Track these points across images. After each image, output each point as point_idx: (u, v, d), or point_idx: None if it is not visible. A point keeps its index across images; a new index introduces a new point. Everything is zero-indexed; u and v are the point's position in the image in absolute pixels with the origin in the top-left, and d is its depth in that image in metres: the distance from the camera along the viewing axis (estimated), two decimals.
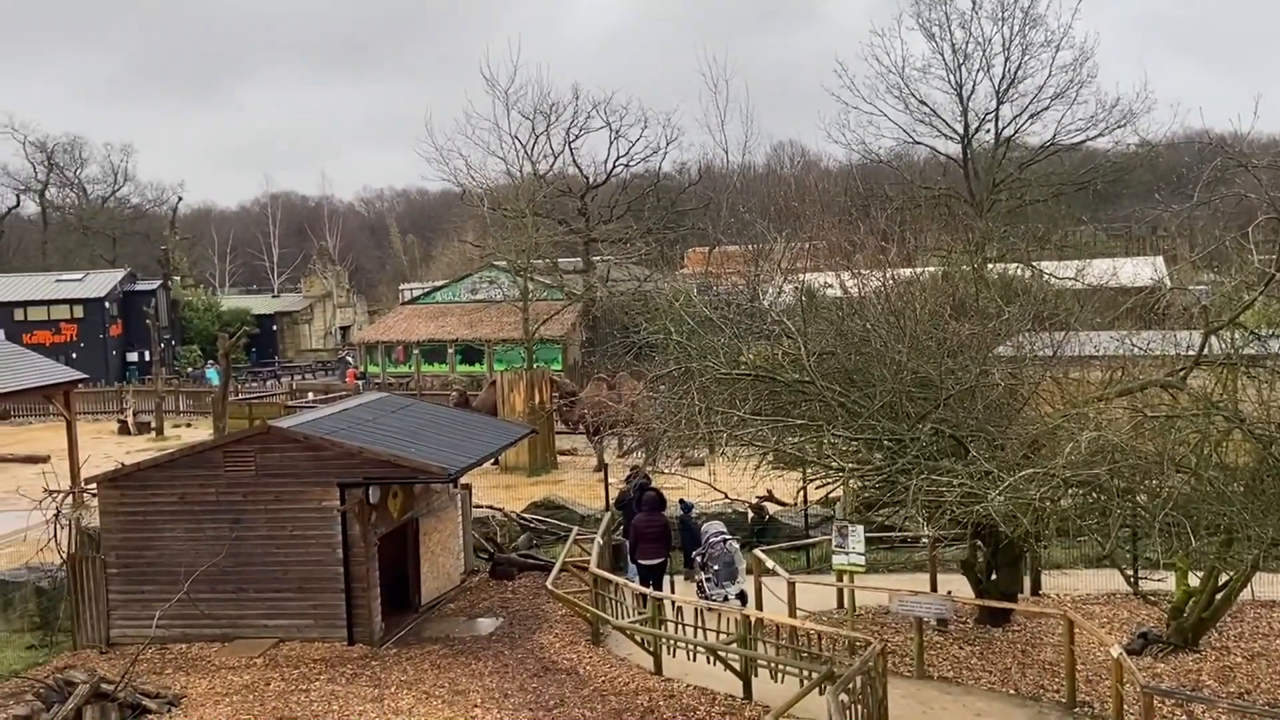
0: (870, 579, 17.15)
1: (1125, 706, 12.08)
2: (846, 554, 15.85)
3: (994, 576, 16.19)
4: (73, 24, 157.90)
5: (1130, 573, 16.45)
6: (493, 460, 23.55)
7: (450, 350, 56.33)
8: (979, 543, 15.90)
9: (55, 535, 17.73)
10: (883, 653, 12.51)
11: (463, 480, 18.67)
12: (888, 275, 17.77)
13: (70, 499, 19.18)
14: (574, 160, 55.88)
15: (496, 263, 53.36)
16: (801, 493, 20.93)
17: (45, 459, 31.93)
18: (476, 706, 13.60)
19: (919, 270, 20.54)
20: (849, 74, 53.46)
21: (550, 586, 16.96)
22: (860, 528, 16.00)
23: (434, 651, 15.74)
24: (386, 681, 14.55)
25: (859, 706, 11.70)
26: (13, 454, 36.57)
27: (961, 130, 48.96)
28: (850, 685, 11.54)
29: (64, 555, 17.28)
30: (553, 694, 13.99)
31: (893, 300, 16.32)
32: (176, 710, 13.82)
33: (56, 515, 17.90)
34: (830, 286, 19.65)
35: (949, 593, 16.02)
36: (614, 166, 56.16)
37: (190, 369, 59.40)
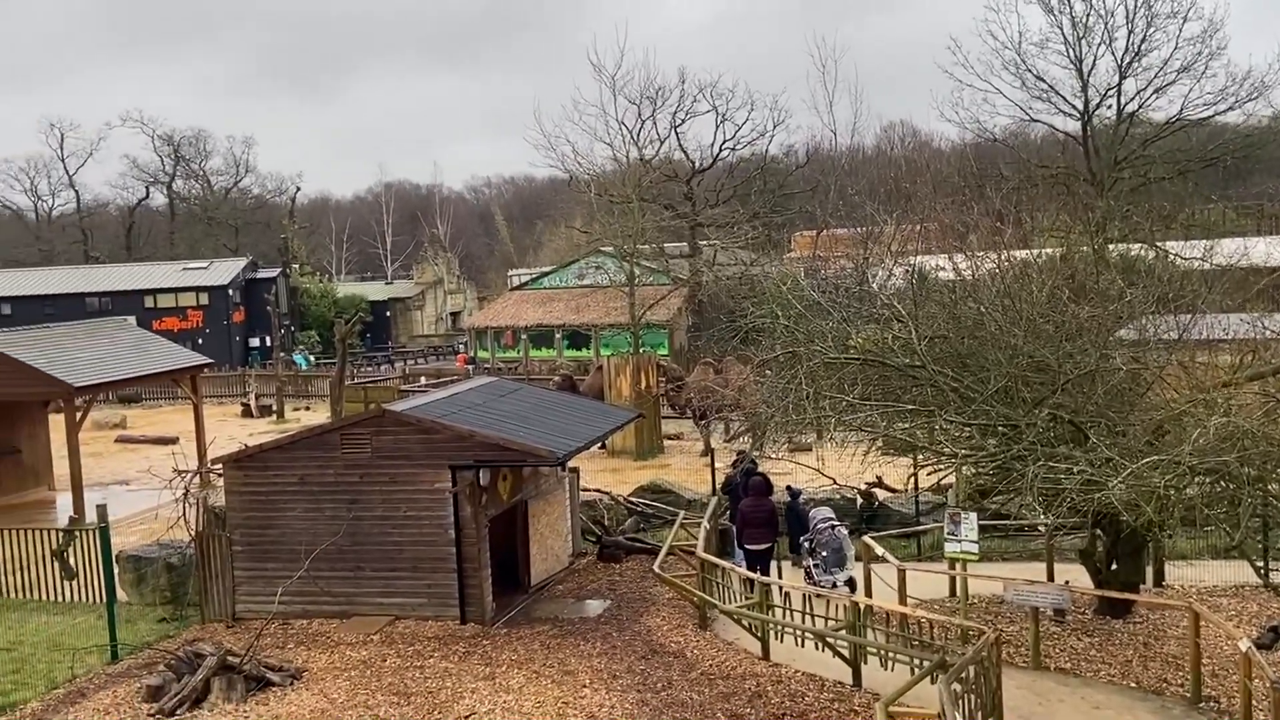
0: (983, 567, 16.78)
1: (1254, 702, 11.60)
2: (959, 541, 15.52)
3: (1114, 566, 15.70)
4: (196, 24, 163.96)
5: (1260, 564, 15.77)
6: (600, 444, 23.76)
7: (557, 335, 56.97)
8: (1099, 532, 15.42)
9: (184, 513, 18.48)
10: (997, 642, 12.24)
11: (571, 463, 18.86)
12: (1003, 257, 17.30)
13: (198, 479, 19.97)
14: (680, 145, 55.96)
15: (603, 248, 53.72)
16: (912, 479, 20.59)
17: (174, 440, 33.37)
18: (585, 687, 13.76)
19: (1036, 252, 19.94)
20: (963, 50, 52.13)
21: (657, 570, 17.04)
22: (973, 515, 15.65)
23: (543, 632, 15.96)
24: (498, 660, 14.82)
25: (972, 696, 11.47)
26: (144, 435, 38.32)
27: (1081, 106, 47.25)
28: (963, 674, 11.32)
29: (192, 533, 18.00)
30: (660, 676, 14.06)
31: (1008, 282, 15.89)
32: (299, 683, 14.29)
33: (185, 494, 18.65)
34: (942, 269, 19.22)
35: (1066, 582, 15.59)
36: (720, 150, 56.07)
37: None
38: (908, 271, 19.19)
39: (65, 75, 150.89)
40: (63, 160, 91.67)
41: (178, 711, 13.58)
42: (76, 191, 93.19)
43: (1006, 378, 14.14)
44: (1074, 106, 47.52)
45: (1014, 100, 48.26)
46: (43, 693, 14.85)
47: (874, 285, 17.91)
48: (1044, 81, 47.13)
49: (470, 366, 55.14)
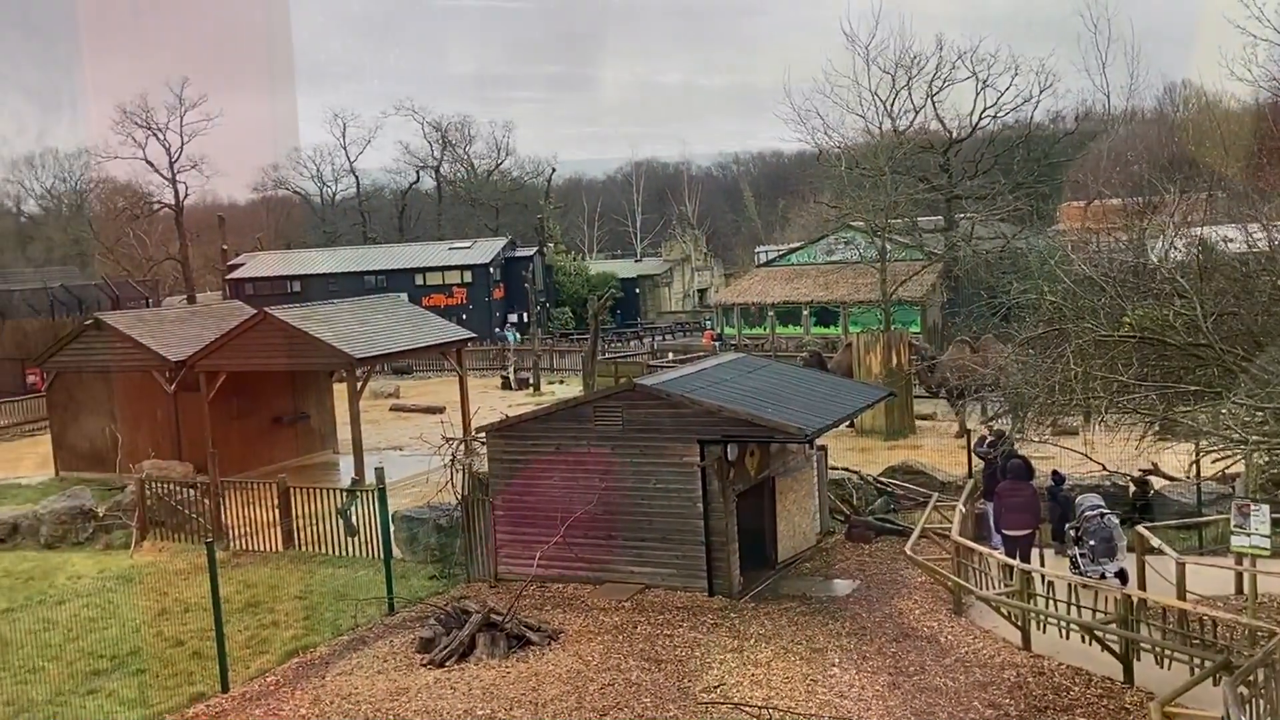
0: (1275, 564, 15.33)
1: None
2: (1248, 535, 14.22)
3: None
4: (461, 15, 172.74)
5: None
6: (848, 423, 23.34)
7: (805, 312, 56.43)
8: None
9: (451, 478, 19.58)
10: None
11: (819, 441, 18.65)
12: None
13: (463, 446, 21.09)
14: (936, 114, 53.80)
15: (853, 223, 52.65)
16: (1194, 467, 19.06)
17: (442, 410, 35.43)
18: (834, 666, 13.60)
19: None
20: (1257, 2, 47.28)
21: (909, 552, 16.60)
22: (1265, 507, 14.29)
23: (790, 608, 15.89)
24: (745, 634, 14.88)
25: (1260, 701, 10.52)
26: (415, 404, 40.94)
27: None
28: (1251, 677, 10.40)
29: (458, 497, 19.05)
30: (912, 660, 13.71)
31: None
32: (555, 643, 14.89)
33: (452, 460, 19.76)
34: (1231, 241, 17.60)
35: None
36: (980, 119, 53.49)
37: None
38: (1190, 243, 17.65)
39: (347, 71, 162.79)
40: (344, 148, 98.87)
41: (447, 663, 14.45)
42: (356, 177, 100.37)
43: None
44: None
45: None
46: (329, 638, 16.19)
47: (1153, 258, 16.60)
48: None
49: (717, 343, 55.56)
